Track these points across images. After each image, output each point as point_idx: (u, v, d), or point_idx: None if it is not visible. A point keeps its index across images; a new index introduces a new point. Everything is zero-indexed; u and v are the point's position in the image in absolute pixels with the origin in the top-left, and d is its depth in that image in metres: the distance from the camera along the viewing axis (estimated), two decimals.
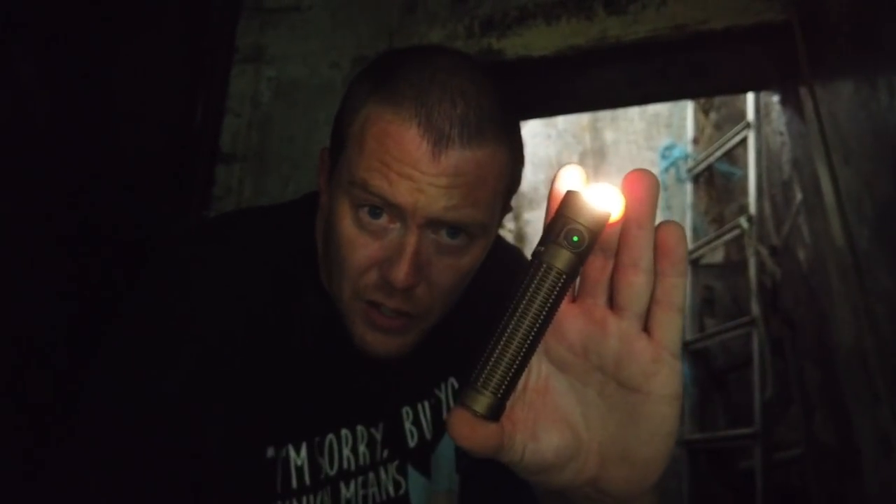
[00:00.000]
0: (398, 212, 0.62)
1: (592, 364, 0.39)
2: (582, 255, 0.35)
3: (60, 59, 1.05)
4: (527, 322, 0.35)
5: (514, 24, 1.48)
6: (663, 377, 0.37)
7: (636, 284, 0.37)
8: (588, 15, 1.44)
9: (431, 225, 0.63)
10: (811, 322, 1.92)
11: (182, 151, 1.44)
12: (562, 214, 0.35)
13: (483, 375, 0.35)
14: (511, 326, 0.35)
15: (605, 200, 0.35)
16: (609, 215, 0.35)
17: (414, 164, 0.60)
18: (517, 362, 0.35)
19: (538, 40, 1.46)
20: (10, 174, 0.95)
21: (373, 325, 0.67)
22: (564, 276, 0.34)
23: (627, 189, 0.36)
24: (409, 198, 0.60)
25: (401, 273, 0.61)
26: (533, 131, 3.66)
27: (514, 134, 0.68)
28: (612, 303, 0.38)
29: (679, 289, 0.37)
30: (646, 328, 0.38)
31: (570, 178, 0.37)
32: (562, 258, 0.34)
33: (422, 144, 0.60)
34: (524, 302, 0.35)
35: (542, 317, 0.35)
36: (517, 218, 3.58)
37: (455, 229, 0.64)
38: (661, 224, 0.37)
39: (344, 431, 0.72)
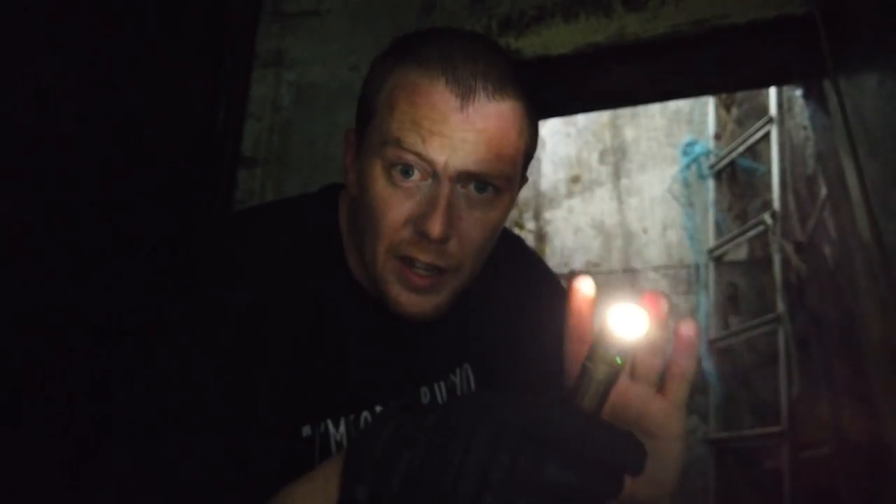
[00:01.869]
0: (430, 168, 0.65)
1: (621, 420, 0.54)
2: (619, 370, 0.48)
3: (85, 68, 1.07)
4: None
5: (532, 23, 1.48)
6: (673, 426, 0.54)
7: (652, 372, 0.54)
8: (607, 12, 1.43)
9: (461, 179, 0.66)
10: (838, 318, 1.89)
11: (205, 156, 1.46)
12: (602, 343, 0.47)
13: None
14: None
15: (634, 329, 0.47)
16: (639, 341, 0.47)
17: (443, 119, 0.64)
18: None
19: (557, 39, 1.45)
20: (37, 179, 0.97)
21: (407, 284, 0.69)
22: (605, 385, 0.48)
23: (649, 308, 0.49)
24: (441, 153, 0.64)
25: (436, 224, 0.64)
26: (552, 130, 3.65)
27: (528, 95, 0.72)
28: (632, 374, 0.54)
29: (690, 367, 0.53)
30: (660, 389, 0.54)
31: (586, 288, 0.53)
32: (604, 373, 0.48)
33: (450, 99, 0.64)
34: (582, 400, 0.48)
35: (594, 407, 0.49)
36: (537, 217, 3.57)
37: (483, 183, 0.67)
38: (679, 323, 0.52)
39: (378, 409, 0.74)
